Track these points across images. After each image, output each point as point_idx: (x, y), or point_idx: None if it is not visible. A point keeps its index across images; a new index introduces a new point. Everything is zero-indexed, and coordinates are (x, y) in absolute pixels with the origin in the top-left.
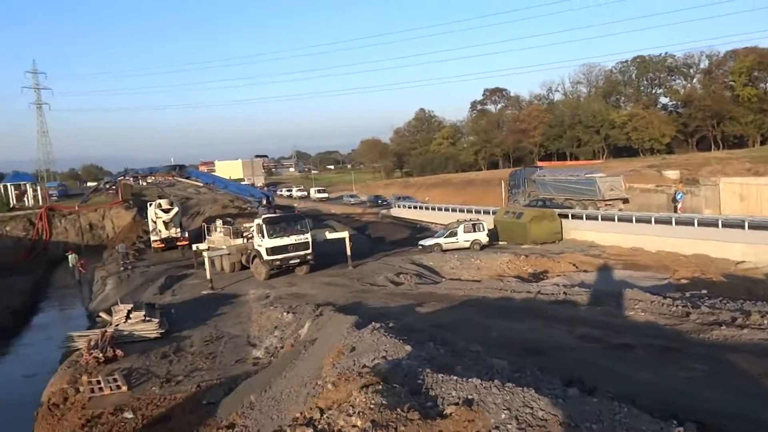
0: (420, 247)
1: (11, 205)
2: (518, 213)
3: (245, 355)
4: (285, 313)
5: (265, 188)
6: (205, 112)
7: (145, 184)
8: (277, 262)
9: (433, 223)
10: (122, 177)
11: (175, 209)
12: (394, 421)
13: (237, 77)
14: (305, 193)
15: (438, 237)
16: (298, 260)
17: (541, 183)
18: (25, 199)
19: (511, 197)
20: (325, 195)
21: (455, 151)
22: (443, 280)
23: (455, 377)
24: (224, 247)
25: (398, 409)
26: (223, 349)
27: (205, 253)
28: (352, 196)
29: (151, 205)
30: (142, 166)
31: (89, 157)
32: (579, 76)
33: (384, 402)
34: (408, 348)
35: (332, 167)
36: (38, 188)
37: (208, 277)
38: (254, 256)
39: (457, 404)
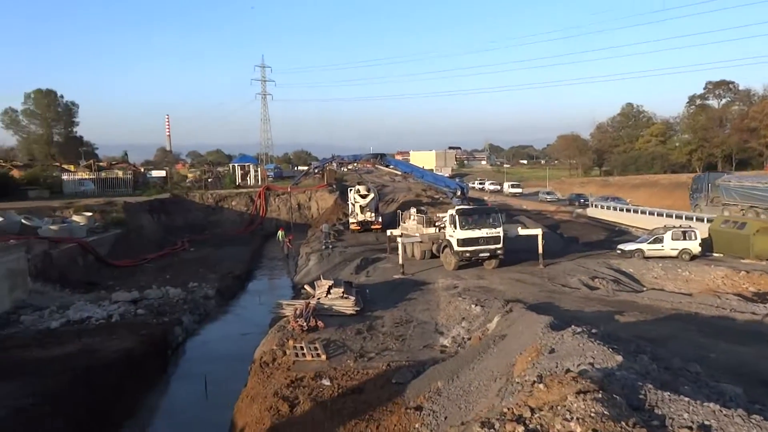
0: (619, 251)
1: (237, 183)
2: (740, 223)
3: (432, 341)
4: (473, 305)
5: (457, 179)
6: (403, 103)
7: (346, 170)
8: (467, 254)
9: (633, 226)
10: (329, 162)
11: (372, 195)
12: None
13: (435, 70)
14: (498, 187)
15: (640, 242)
16: (488, 254)
17: (725, 188)
18: (248, 178)
19: (692, 201)
20: (519, 190)
21: (664, 150)
22: (644, 289)
23: (686, 398)
24: (417, 234)
25: (622, 422)
26: (411, 333)
27: (398, 239)
28: (548, 193)
29: (351, 190)
30: (345, 153)
31: (300, 143)
32: None
33: (605, 412)
34: (619, 358)
35: (525, 162)
36: (258, 170)
37: (400, 262)
38: (445, 246)
39: (690, 428)
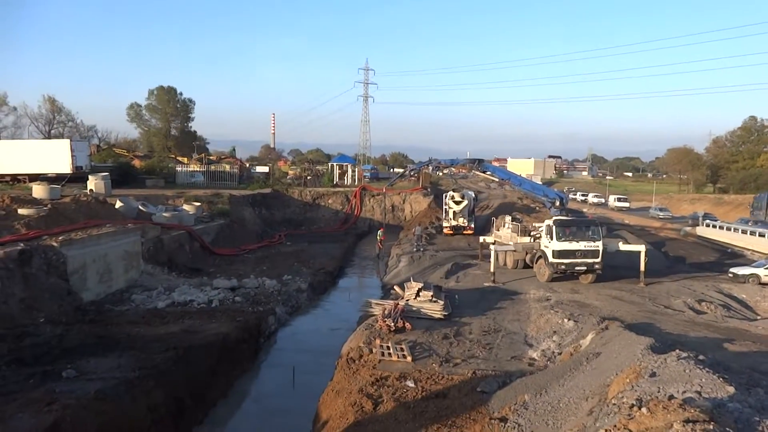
0: (731, 275)
1: (334, 182)
2: None
3: (521, 353)
4: (566, 320)
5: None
6: (504, 109)
7: (441, 174)
8: (563, 267)
9: (749, 249)
10: (425, 165)
11: (465, 202)
12: None
13: (538, 76)
14: (602, 199)
15: (757, 266)
16: (584, 267)
17: None
18: (345, 178)
19: (753, 216)
20: (626, 204)
21: None
22: (758, 318)
23: None
24: (510, 243)
25: None
26: (500, 342)
27: (491, 247)
28: (661, 210)
29: (446, 195)
30: (440, 157)
31: (397, 145)
32: None
33: None
34: (730, 389)
35: (629, 174)
36: (356, 170)
37: (492, 270)
38: (539, 257)
39: None
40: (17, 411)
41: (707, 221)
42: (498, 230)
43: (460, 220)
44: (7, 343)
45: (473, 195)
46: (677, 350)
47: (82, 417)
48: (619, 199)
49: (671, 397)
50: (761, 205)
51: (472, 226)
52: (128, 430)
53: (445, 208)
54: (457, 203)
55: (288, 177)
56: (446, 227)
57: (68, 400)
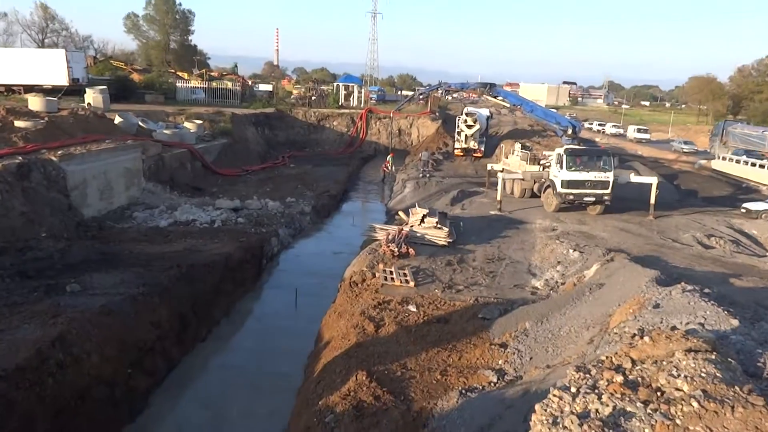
0: (743, 210)
1: (340, 103)
2: None
3: (524, 282)
4: (571, 250)
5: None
6: (516, 30)
7: (450, 98)
8: (571, 197)
9: (765, 184)
10: (435, 89)
11: (477, 126)
12: (731, 399)
13: None
14: (621, 131)
15: None
16: (593, 198)
17: (732, 134)
18: (351, 99)
19: (710, 143)
20: (647, 136)
21: None
22: None
23: None
24: (519, 171)
25: (736, 387)
26: (503, 270)
27: (499, 175)
28: (686, 143)
29: (459, 117)
30: (450, 80)
31: (405, 67)
32: None
33: (718, 374)
34: (734, 322)
35: (647, 104)
36: (362, 91)
37: (498, 198)
38: (547, 186)
39: None
40: (23, 322)
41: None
42: (506, 158)
43: (471, 143)
44: (10, 256)
45: (487, 115)
46: (682, 283)
47: (87, 330)
48: (638, 130)
49: (674, 328)
50: (717, 132)
51: (482, 149)
52: (133, 345)
53: (457, 130)
54: (469, 127)
55: (292, 97)
56: (457, 149)
57: (73, 314)
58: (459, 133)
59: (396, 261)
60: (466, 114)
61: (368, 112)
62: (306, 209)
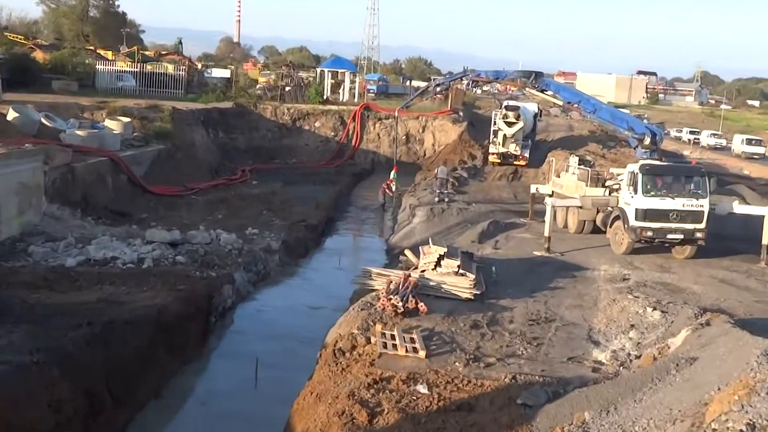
0: None
1: (325, 97)
2: None
3: (582, 353)
4: (649, 309)
5: (645, 120)
6: (572, 2)
7: (479, 92)
8: (649, 233)
9: None
10: (459, 79)
11: (520, 125)
12: None
13: None
14: (723, 142)
15: None
16: (680, 236)
17: None
18: (341, 91)
19: None
20: (761, 150)
21: None
22: None
23: None
24: (575, 196)
25: None
26: (552, 337)
27: (548, 200)
28: None
29: (497, 113)
30: (479, 68)
31: (416, 48)
32: None
33: None
34: None
35: (756, 103)
36: (356, 80)
37: (546, 233)
38: (615, 217)
39: None
40: None
41: None
42: (558, 176)
43: (512, 146)
44: None
45: (535, 112)
46: None
47: None
48: (748, 142)
49: None
50: None
51: (527, 155)
52: None
53: (493, 129)
54: (510, 125)
55: (258, 87)
56: (492, 154)
57: None
58: (495, 133)
59: (400, 321)
60: (507, 108)
61: (364, 110)
62: (274, 245)
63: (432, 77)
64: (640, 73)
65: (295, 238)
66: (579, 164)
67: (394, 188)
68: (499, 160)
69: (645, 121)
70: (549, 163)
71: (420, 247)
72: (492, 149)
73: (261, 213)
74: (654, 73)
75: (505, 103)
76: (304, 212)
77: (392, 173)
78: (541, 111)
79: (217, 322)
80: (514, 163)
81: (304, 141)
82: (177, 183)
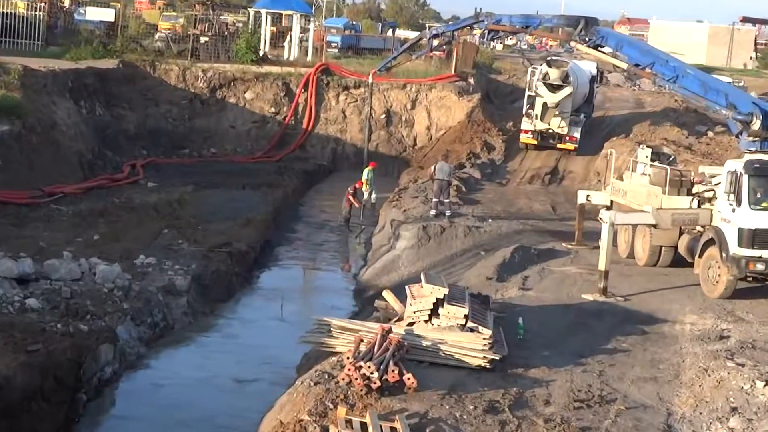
0: None
1: (261, 54)
2: None
3: None
4: (760, 384)
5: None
6: None
7: (500, 47)
8: (760, 265)
9: None
10: (465, 28)
11: (569, 89)
12: None
13: None
14: None
15: None
16: None
17: None
18: (286, 44)
19: None
20: None
21: None
22: None
23: None
24: (647, 208)
25: None
26: (611, 427)
27: (604, 215)
28: None
29: (532, 71)
30: (503, 10)
31: None
32: None
33: None
34: None
35: None
36: (310, 27)
37: (602, 266)
38: (708, 241)
39: None
40: None
41: None
42: (620, 177)
43: (555, 121)
44: None
45: (592, 73)
46: None
47: None
48: None
49: None
50: None
51: (576, 135)
52: None
53: (529, 95)
54: (553, 89)
55: (158, 36)
56: (526, 132)
57: None
58: (531, 102)
59: (375, 402)
60: (549, 62)
61: (322, 74)
62: (180, 283)
63: (427, 25)
64: (745, 20)
65: (212, 273)
66: (652, 160)
67: (365, 195)
68: (534, 142)
69: (752, 94)
70: (606, 157)
71: (407, 287)
72: (525, 124)
73: (160, 232)
74: (765, 21)
75: (548, 58)
76: (227, 232)
77: (365, 172)
78: (601, 73)
79: (90, 403)
80: (558, 146)
81: (229, 121)
82: (29, 185)
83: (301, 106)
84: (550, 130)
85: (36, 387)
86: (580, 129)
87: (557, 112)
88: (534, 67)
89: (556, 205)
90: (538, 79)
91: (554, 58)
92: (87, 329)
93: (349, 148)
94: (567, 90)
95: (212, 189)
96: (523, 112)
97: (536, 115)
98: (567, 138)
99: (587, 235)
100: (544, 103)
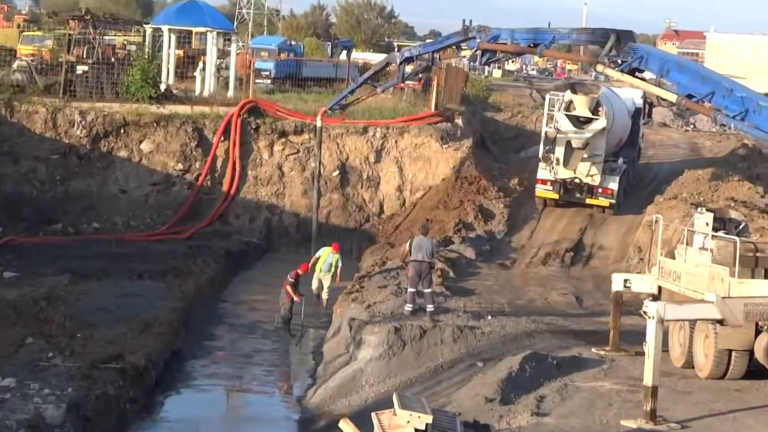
0: None
1: (164, 88)
2: None
3: None
4: None
5: None
6: None
7: (500, 73)
8: None
9: None
10: (456, 45)
11: (602, 123)
12: None
13: None
14: None
15: None
16: None
17: None
18: (199, 75)
19: None
20: None
21: None
22: None
23: None
24: (710, 296)
25: None
26: None
27: (650, 306)
28: None
29: (553, 100)
30: (503, 23)
31: None
32: None
33: None
34: None
35: None
36: (232, 49)
37: (648, 381)
38: None
39: None
40: None
41: None
42: (671, 254)
43: (582, 167)
44: None
45: (635, 104)
46: None
47: None
48: None
49: None
50: None
51: (613, 188)
52: None
53: (547, 133)
54: (580, 123)
55: (16, 65)
56: (543, 183)
57: None
58: (551, 142)
59: None
60: (573, 88)
61: (248, 114)
62: (50, 415)
63: (396, 44)
64: None
65: (97, 399)
66: (716, 228)
67: (315, 285)
68: (555, 196)
69: None
70: (650, 225)
71: (374, 415)
72: (542, 173)
73: (22, 343)
74: None
75: (572, 82)
76: (117, 340)
77: (326, 256)
78: (650, 104)
79: None
80: (588, 201)
81: (118, 184)
82: None
83: (221, 160)
84: (577, 180)
85: None
86: (618, 179)
87: (586, 155)
88: (554, 95)
89: (581, 294)
90: (558, 110)
91: (581, 81)
92: None
93: (289, 218)
94: (599, 124)
95: (96, 280)
96: (539, 155)
97: (557, 160)
98: (599, 190)
99: (626, 336)
100: (568, 143)
